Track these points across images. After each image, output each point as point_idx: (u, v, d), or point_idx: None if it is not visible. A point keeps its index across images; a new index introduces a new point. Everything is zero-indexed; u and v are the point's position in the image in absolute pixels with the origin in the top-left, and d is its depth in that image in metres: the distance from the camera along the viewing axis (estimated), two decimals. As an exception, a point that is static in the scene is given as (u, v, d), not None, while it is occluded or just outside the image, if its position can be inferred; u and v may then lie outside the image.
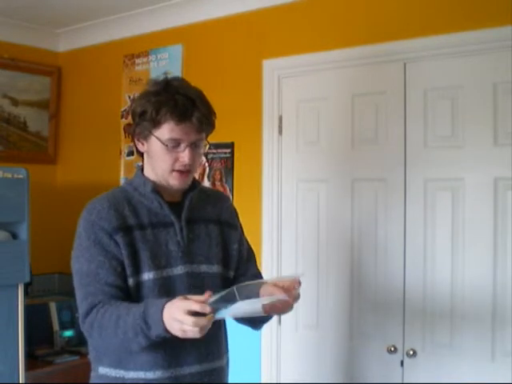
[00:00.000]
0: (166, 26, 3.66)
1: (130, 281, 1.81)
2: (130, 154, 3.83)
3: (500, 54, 2.53)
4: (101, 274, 1.79)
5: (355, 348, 2.92)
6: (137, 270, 1.81)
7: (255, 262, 2.15)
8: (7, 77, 3.96)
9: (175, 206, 1.92)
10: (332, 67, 3.01)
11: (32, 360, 3.44)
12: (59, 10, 3.74)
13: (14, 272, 3.08)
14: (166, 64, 3.68)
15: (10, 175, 3.08)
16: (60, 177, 4.30)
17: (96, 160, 4.05)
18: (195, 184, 1.97)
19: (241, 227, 2.12)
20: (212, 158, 3.41)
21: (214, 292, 1.65)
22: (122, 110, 3.90)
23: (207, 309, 1.59)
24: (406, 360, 2.74)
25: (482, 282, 2.56)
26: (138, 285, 1.81)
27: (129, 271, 1.80)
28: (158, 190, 1.90)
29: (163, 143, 1.82)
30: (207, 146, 1.98)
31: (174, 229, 1.89)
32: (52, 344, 3.73)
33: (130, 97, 3.86)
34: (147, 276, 1.81)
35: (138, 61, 3.83)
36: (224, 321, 1.97)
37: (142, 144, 1.90)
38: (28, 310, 3.22)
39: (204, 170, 3.43)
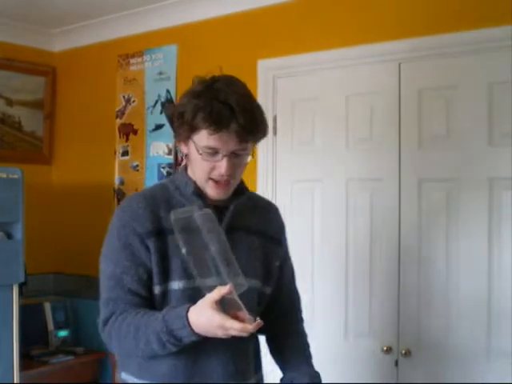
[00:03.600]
0: (160, 25, 3.66)
1: (157, 288, 1.68)
2: (125, 153, 3.82)
3: (495, 54, 2.54)
4: (124, 280, 1.67)
5: (350, 348, 2.92)
6: (165, 278, 1.68)
7: (295, 282, 2.02)
8: (2, 77, 3.95)
9: (218, 211, 1.73)
10: (327, 67, 3.02)
11: (27, 360, 3.44)
12: (54, 10, 3.73)
13: (8, 272, 3.08)
14: (161, 64, 3.68)
15: (4, 175, 3.07)
16: (55, 177, 4.28)
17: (91, 160, 4.04)
18: (244, 190, 1.83)
19: (286, 244, 1.97)
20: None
21: (248, 307, 1.52)
22: (117, 110, 3.89)
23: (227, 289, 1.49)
24: (401, 360, 2.74)
25: (478, 282, 2.56)
26: (165, 293, 1.69)
27: (156, 279, 1.68)
28: (200, 192, 1.74)
29: (198, 150, 1.67)
30: (254, 155, 1.79)
31: None
32: (47, 344, 3.74)
33: (124, 97, 3.85)
34: (177, 285, 1.68)
35: (132, 61, 3.82)
36: (256, 334, 1.80)
37: (185, 145, 1.75)
38: (23, 310, 3.22)
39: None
